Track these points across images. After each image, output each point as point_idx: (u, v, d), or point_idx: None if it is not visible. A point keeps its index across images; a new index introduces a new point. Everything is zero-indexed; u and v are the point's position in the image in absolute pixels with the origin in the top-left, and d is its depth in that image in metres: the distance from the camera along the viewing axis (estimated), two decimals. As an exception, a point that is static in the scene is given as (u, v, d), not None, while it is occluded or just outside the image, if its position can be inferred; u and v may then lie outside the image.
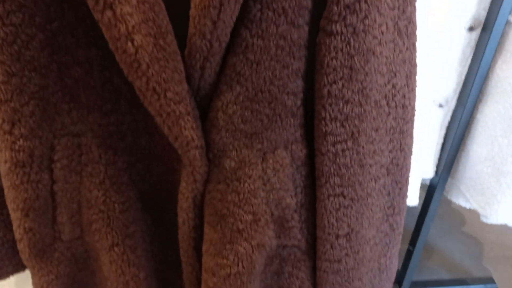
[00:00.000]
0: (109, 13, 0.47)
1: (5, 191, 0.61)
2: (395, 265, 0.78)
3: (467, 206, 0.98)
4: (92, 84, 0.59)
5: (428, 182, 1.01)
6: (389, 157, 0.66)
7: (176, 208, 0.72)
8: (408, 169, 0.70)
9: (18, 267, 0.74)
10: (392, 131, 0.64)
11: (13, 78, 0.53)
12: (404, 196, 0.72)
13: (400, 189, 0.70)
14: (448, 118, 0.92)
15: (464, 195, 0.97)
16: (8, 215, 0.68)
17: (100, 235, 0.66)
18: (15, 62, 0.53)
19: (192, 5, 0.52)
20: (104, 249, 0.68)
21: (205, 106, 0.60)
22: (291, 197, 0.65)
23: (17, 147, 0.57)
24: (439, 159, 0.96)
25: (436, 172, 0.97)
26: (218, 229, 0.64)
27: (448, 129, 0.93)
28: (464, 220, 1.60)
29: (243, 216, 0.63)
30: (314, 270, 0.72)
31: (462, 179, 0.95)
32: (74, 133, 0.61)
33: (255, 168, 0.61)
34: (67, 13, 0.54)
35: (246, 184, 0.62)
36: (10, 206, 0.62)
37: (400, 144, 0.66)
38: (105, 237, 0.66)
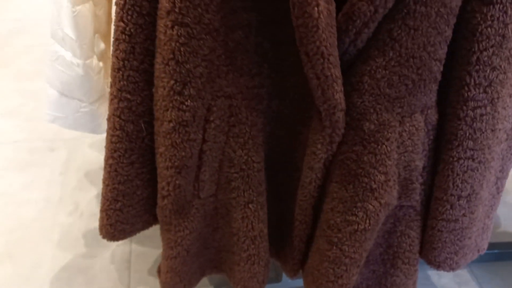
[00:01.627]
0: None
1: (161, 149, 0.65)
2: (492, 227, 0.83)
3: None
4: (247, 48, 0.62)
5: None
6: (511, 122, 0.70)
7: (289, 170, 0.75)
8: None
9: (145, 224, 0.78)
10: None
11: (192, 40, 0.56)
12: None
13: (511, 154, 0.74)
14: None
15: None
16: (147, 174, 0.71)
17: (238, 192, 0.70)
18: (196, 24, 0.56)
19: None
20: (239, 205, 0.72)
21: (344, 70, 0.63)
22: (420, 160, 0.68)
23: (184, 107, 0.60)
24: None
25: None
26: (350, 188, 0.68)
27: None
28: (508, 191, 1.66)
29: (377, 176, 0.66)
30: (423, 229, 0.76)
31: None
32: (227, 95, 0.64)
33: (393, 131, 0.65)
34: None
35: (384, 146, 0.65)
36: (164, 164, 0.65)
37: None
38: (242, 194, 0.70)
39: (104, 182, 0.71)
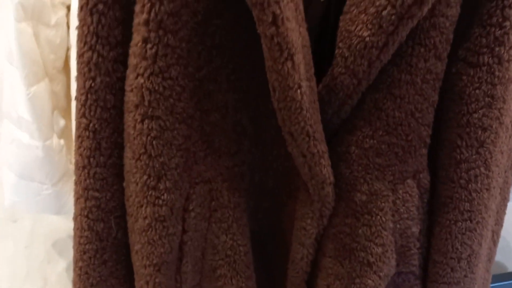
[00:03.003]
0: (289, 63, 0.47)
1: (137, 247, 0.59)
2: (490, 279, 0.81)
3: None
4: (225, 128, 0.58)
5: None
6: (504, 176, 0.67)
7: (277, 243, 0.71)
8: (511, 186, 0.72)
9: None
10: (509, 151, 0.66)
11: (165, 132, 0.52)
12: (505, 211, 0.74)
13: (505, 205, 0.72)
14: None
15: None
16: (122, 270, 0.65)
17: (225, 280, 0.65)
18: (168, 115, 0.51)
19: (341, 45, 0.52)
20: None
21: (329, 141, 0.60)
22: (416, 225, 0.65)
23: (160, 201, 0.55)
24: None
25: None
26: (346, 263, 0.64)
27: None
28: None
29: (374, 249, 0.63)
30: None
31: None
32: (206, 179, 0.59)
33: (386, 201, 0.61)
34: (214, 59, 0.53)
35: (378, 217, 0.62)
36: (141, 263, 0.59)
37: (511, 163, 0.68)
38: (230, 281, 0.65)
39: (74, 286, 0.64)
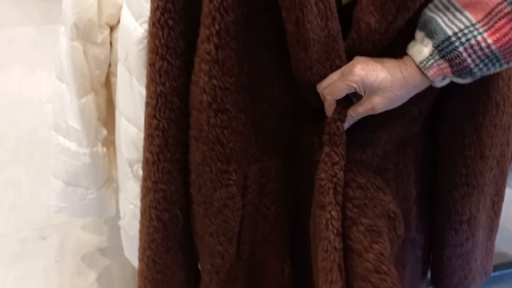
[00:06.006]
0: None
1: (212, 229, 0.67)
2: (494, 249, 0.89)
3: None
4: (272, 115, 0.66)
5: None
6: (500, 150, 0.76)
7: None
8: (510, 161, 0.81)
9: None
10: (503, 127, 0.74)
11: (232, 122, 0.61)
12: (505, 184, 0.83)
13: (504, 178, 0.80)
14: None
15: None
16: (182, 257, 0.73)
17: (276, 247, 0.74)
18: (234, 107, 0.60)
19: (352, 29, 0.60)
20: (273, 259, 0.75)
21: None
22: (414, 189, 0.74)
23: (231, 182, 0.63)
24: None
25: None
26: (378, 221, 0.68)
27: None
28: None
29: (392, 202, 0.70)
30: (434, 260, 0.81)
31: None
32: (256, 159, 0.67)
33: (392, 162, 0.71)
34: (263, 57, 0.61)
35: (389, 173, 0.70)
36: (217, 240, 0.68)
37: (508, 139, 0.77)
38: (278, 244, 0.74)
39: (141, 274, 0.71)
